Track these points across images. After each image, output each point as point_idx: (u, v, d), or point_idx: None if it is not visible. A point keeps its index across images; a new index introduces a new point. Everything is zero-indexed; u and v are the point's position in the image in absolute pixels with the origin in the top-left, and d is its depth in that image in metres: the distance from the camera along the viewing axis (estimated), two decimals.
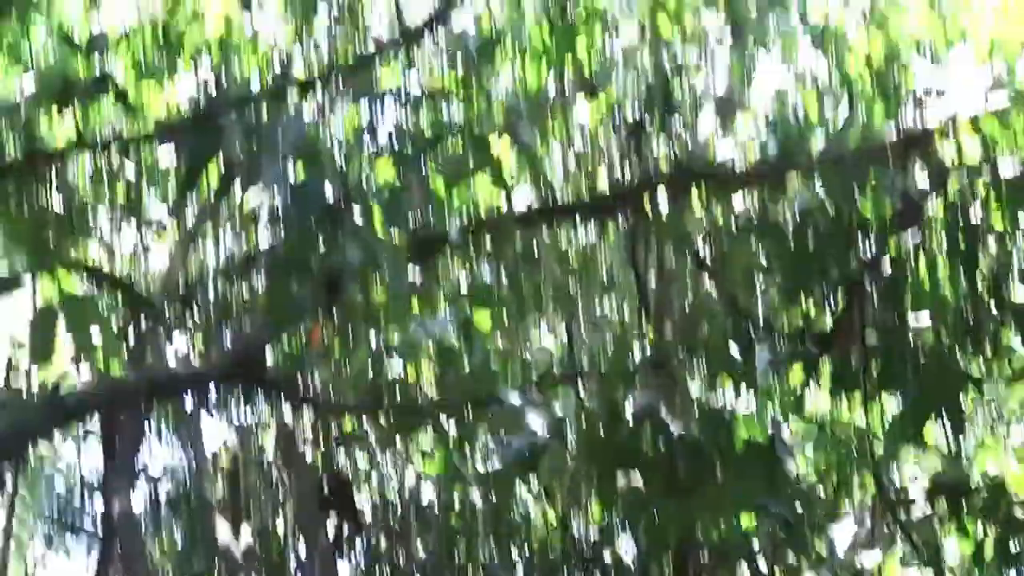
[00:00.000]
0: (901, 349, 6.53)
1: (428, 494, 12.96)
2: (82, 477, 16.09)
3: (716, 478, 5.82)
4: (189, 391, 7.77)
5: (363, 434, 12.60)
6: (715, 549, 6.25)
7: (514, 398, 5.50)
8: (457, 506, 12.73)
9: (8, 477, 15.45)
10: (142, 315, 9.22)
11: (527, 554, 13.03)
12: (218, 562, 12.45)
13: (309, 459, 12.51)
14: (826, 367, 6.73)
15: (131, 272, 9.83)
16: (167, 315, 8.74)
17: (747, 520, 5.96)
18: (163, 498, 13.91)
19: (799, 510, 5.74)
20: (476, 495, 12.26)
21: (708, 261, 7.62)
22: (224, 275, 7.98)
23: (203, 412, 12.24)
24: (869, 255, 6.77)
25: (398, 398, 7.50)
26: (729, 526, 5.94)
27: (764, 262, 7.13)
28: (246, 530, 11.13)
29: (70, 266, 6.06)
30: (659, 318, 7.90)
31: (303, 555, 12.46)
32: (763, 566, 6.73)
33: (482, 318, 6.09)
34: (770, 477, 5.72)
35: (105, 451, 11.18)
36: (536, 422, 5.49)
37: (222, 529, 10.63)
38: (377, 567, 13.78)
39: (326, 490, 12.64)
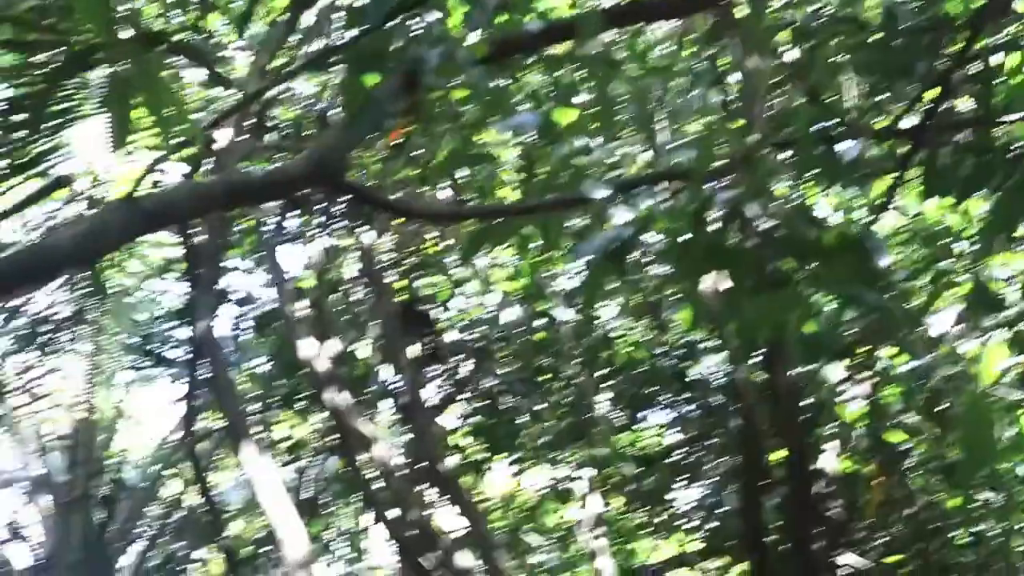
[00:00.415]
0: (991, 147, 6.42)
1: (512, 314, 13.01)
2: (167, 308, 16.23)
3: (806, 272, 5.75)
4: (268, 197, 7.70)
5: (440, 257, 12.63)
6: (806, 345, 6.19)
7: (599, 193, 5.43)
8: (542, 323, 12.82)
9: (92, 307, 15.74)
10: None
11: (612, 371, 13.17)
12: (303, 380, 12.65)
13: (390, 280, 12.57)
14: (915, 166, 6.62)
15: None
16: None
17: (839, 313, 5.94)
18: (247, 322, 14.07)
19: (893, 300, 5.62)
20: (561, 312, 12.30)
21: (792, 60, 7.50)
22: (304, 68, 7.92)
23: (282, 233, 12.34)
24: (957, 50, 6.62)
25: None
26: (819, 319, 5.92)
27: (849, 60, 7.02)
28: (330, 350, 11.21)
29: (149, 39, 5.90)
30: (744, 118, 7.85)
31: (387, 375, 12.58)
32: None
33: (565, 115, 6.01)
34: (862, 269, 5.64)
35: (188, 277, 11.31)
36: (622, 217, 5.43)
37: (306, 348, 10.70)
38: (461, 388, 13.98)
39: (406, 312, 12.73)
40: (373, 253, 12.10)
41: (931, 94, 6.69)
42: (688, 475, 13.72)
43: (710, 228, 5.77)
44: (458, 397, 14.13)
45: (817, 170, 6.37)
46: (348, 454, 10.72)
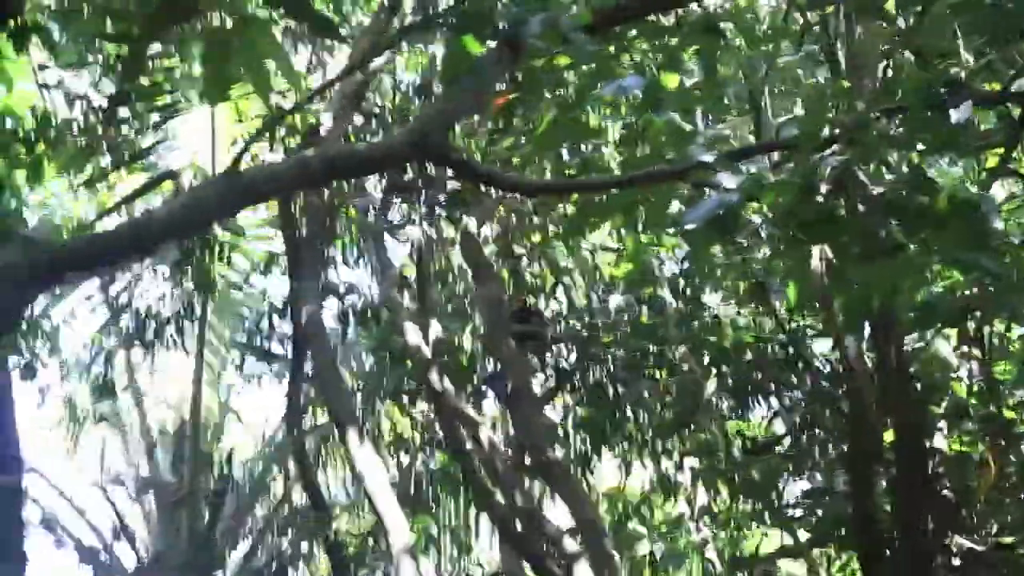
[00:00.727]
0: None
1: (617, 300, 12.97)
2: (271, 303, 16.36)
3: (919, 238, 5.69)
4: (369, 170, 7.73)
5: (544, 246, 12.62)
6: (918, 313, 6.12)
7: (706, 157, 5.40)
8: (647, 310, 12.76)
9: (197, 303, 15.94)
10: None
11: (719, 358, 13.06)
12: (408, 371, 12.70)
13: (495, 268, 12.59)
14: None
15: None
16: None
17: (952, 278, 5.88)
18: (351, 314, 14.13)
19: (1009, 266, 5.54)
20: (667, 294, 12.23)
21: (902, 25, 7.41)
22: (408, 32, 7.96)
23: (387, 222, 12.40)
24: None
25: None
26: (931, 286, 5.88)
27: (959, 25, 6.93)
28: (434, 338, 11.23)
29: None
30: (854, 85, 7.77)
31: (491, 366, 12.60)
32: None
33: (671, 80, 5.96)
34: (975, 234, 5.56)
35: (291, 270, 11.39)
36: (729, 183, 5.39)
37: (412, 335, 10.73)
38: (565, 379, 13.94)
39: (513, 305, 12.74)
40: (477, 241, 12.11)
41: None
42: (796, 464, 13.57)
43: (819, 198, 5.72)
44: (563, 390, 14.08)
45: (928, 136, 6.29)
46: (454, 443, 10.70)
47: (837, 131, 5.98)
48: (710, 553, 13.87)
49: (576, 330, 13.43)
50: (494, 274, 12.35)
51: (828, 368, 12.72)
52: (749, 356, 13.16)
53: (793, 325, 12.80)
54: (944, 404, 9.77)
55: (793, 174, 5.81)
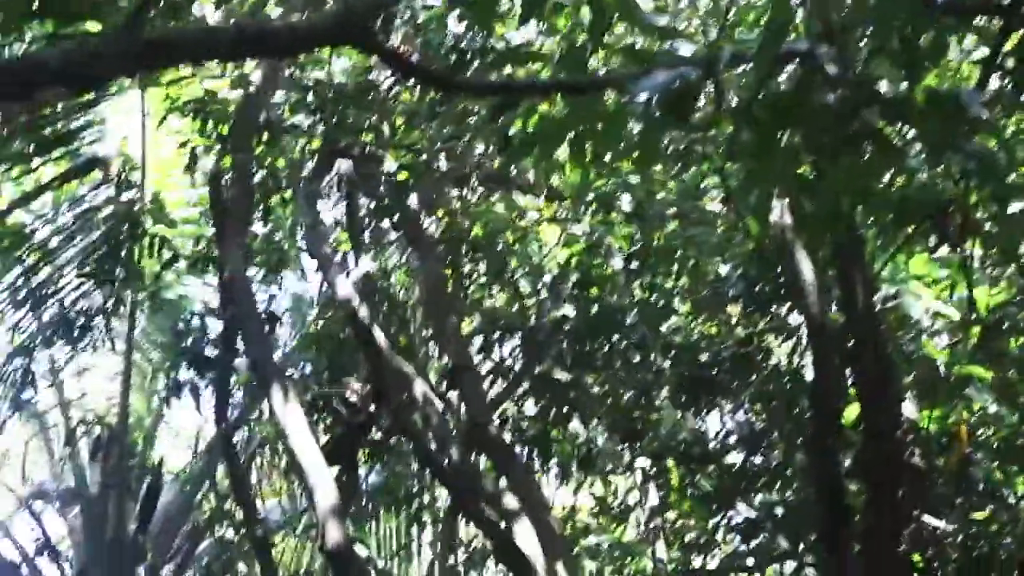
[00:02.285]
0: None
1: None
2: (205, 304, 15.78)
3: (895, 129, 5.25)
4: (288, 51, 7.22)
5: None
6: (896, 209, 5.66)
7: (659, 21, 4.93)
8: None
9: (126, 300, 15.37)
10: None
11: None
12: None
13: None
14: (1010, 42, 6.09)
15: None
16: None
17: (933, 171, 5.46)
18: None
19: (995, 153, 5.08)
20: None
21: None
22: None
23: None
24: None
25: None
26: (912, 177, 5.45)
27: None
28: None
29: None
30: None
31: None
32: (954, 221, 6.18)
33: None
34: (958, 123, 5.11)
35: (216, 230, 10.92)
36: (686, 51, 4.92)
37: (343, 288, 10.14)
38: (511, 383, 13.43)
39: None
40: (420, 225, 11.66)
41: None
42: (751, 479, 13.13)
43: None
44: (511, 394, 13.56)
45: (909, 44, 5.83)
46: (390, 405, 10.14)
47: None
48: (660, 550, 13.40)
49: (521, 325, 12.89)
50: (435, 248, 11.84)
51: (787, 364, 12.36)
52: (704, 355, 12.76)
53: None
54: (914, 373, 9.34)
55: (759, 55, 5.34)
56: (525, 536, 8.85)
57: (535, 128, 6.50)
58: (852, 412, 9.07)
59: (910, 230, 6.92)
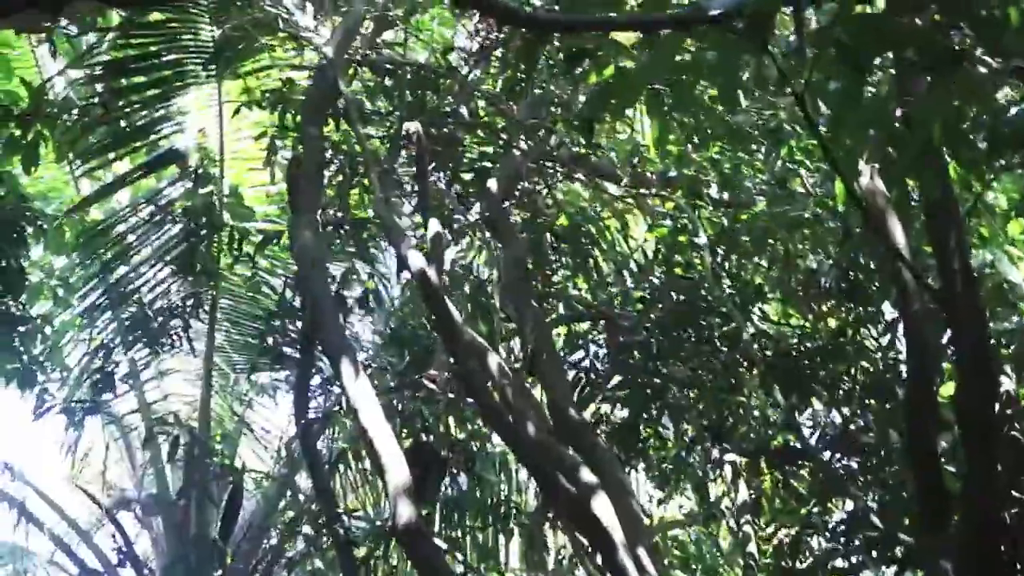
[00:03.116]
0: None
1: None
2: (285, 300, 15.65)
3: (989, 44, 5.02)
4: None
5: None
6: (992, 137, 5.40)
7: None
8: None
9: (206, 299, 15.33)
10: None
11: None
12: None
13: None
14: None
15: None
16: None
17: None
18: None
19: None
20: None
21: None
22: None
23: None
24: None
25: None
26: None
27: None
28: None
29: None
30: None
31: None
32: None
33: None
34: None
35: (291, 205, 10.80)
36: None
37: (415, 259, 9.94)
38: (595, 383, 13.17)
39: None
40: (497, 199, 11.47)
41: None
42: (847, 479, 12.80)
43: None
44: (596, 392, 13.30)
45: None
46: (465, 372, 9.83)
47: None
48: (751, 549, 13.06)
49: (605, 311, 12.67)
50: (515, 233, 11.65)
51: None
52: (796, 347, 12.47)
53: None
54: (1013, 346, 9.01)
55: None
56: (604, 510, 8.59)
57: (611, 78, 6.33)
58: (949, 390, 8.78)
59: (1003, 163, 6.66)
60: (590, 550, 13.60)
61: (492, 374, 9.53)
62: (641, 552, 8.68)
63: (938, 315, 8.41)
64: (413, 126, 10.78)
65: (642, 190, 12.57)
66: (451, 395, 11.83)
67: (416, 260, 9.32)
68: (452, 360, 10.46)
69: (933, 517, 8.43)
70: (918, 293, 8.18)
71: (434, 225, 10.38)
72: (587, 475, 8.83)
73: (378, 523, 15.63)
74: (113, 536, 17.97)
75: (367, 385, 8.61)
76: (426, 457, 12.43)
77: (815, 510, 12.57)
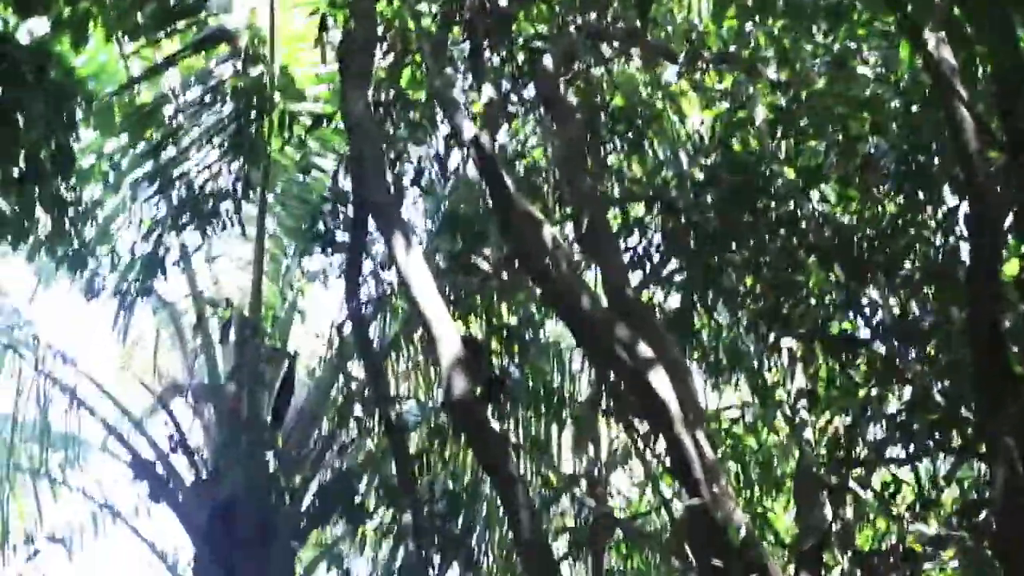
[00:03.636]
0: None
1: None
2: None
3: None
4: None
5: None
6: None
7: None
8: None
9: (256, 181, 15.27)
10: None
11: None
12: None
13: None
14: None
15: None
16: None
17: None
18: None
19: None
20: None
21: None
22: None
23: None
24: None
25: None
26: None
27: None
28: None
29: None
30: None
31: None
32: None
33: None
34: None
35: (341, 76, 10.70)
36: None
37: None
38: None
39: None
40: (554, 77, 11.34)
41: None
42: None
43: None
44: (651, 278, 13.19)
45: None
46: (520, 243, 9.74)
47: None
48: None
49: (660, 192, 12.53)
50: (571, 112, 11.53)
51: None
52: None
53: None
54: None
55: None
56: (661, 383, 8.52)
57: None
58: (1012, 269, 8.66)
59: None
60: (642, 439, 13.67)
61: (546, 247, 9.43)
62: (698, 433, 8.65)
63: (1004, 187, 8.29)
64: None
65: (699, 69, 12.37)
66: (504, 276, 11.76)
67: (470, 128, 9.26)
68: (504, 231, 10.35)
69: (997, 397, 8.33)
70: (982, 161, 8.02)
71: (487, 92, 10.29)
72: (644, 350, 8.75)
73: (430, 406, 15.72)
74: (165, 423, 18.15)
75: (419, 257, 8.59)
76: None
77: (873, 393, 12.50)
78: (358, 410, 15.83)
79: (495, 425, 10.10)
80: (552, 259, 9.25)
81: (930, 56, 7.73)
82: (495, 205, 10.09)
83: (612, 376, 10.32)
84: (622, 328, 8.91)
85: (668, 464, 11.08)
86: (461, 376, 7.94)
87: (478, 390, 8.54)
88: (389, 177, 11.24)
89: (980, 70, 7.99)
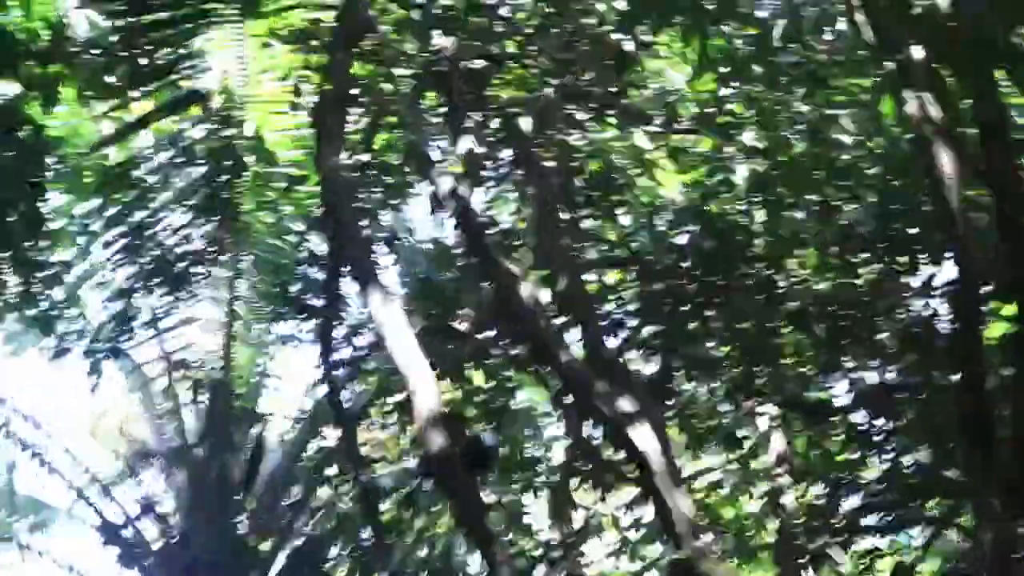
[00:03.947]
0: None
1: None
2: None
3: None
4: None
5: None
6: None
7: None
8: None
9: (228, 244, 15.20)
10: None
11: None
12: None
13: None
14: None
15: None
16: None
17: None
18: None
19: None
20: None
21: None
22: None
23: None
24: None
25: None
26: None
27: None
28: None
29: None
30: None
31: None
32: None
33: None
34: None
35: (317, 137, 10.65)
36: None
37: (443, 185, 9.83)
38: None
39: None
40: (528, 138, 11.32)
41: None
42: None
43: None
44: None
45: None
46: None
47: None
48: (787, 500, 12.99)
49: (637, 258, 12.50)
50: (547, 175, 11.50)
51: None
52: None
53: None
54: None
55: None
56: (643, 436, 8.51)
57: None
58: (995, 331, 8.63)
59: None
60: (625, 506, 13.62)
61: (528, 303, 9.41)
62: (679, 491, 8.61)
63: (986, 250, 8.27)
64: (448, 42, 10.60)
65: (675, 132, 12.35)
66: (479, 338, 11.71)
67: (446, 182, 9.24)
68: (485, 280, 10.35)
69: (983, 457, 8.31)
70: (966, 222, 7.98)
71: (465, 144, 10.25)
72: (625, 404, 8.75)
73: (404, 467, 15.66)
74: (135, 487, 18.01)
75: (397, 309, 8.53)
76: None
77: (852, 458, 12.50)
78: (331, 473, 15.78)
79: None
80: (534, 315, 9.23)
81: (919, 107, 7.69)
82: (476, 259, 10.09)
83: (591, 430, 10.32)
84: (603, 384, 8.91)
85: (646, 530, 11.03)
86: (439, 432, 7.87)
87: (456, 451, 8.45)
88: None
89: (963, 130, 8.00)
